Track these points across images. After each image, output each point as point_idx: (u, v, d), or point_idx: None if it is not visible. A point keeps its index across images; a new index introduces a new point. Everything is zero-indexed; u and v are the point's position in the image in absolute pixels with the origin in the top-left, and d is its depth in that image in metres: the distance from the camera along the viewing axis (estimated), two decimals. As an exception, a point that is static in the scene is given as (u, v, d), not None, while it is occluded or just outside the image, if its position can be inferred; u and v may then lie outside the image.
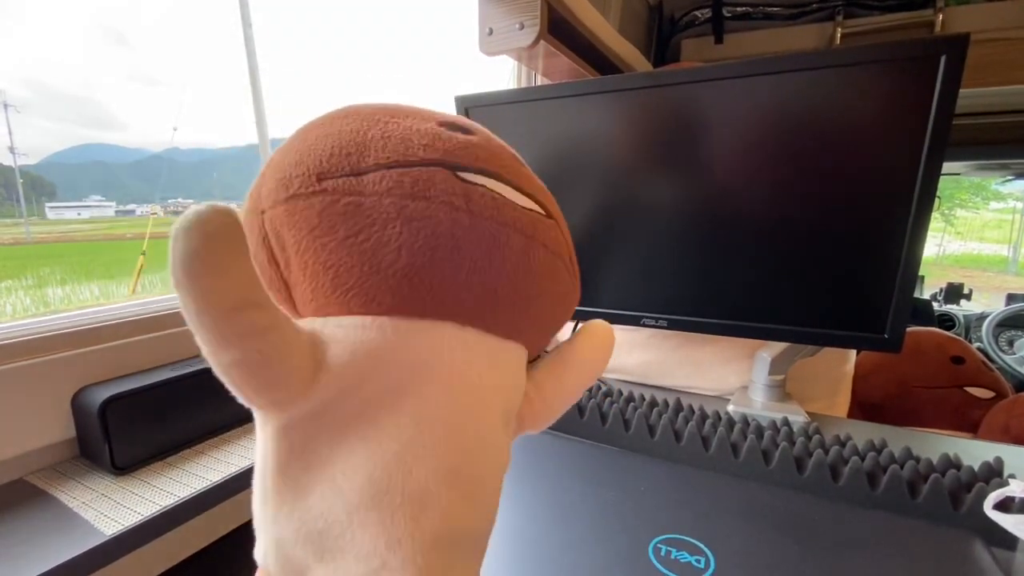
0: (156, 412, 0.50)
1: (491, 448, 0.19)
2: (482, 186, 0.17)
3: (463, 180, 0.17)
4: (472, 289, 0.17)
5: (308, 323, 0.17)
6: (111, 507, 0.42)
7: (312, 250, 0.16)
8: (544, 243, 0.18)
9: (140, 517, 0.41)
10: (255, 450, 0.17)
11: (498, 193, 0.17)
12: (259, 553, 0.17)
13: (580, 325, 0.23)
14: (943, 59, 0.43)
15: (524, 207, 0.18)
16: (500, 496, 0.20)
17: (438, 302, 0.17)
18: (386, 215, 0.16)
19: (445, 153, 0.17)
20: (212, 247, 0.12)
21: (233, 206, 0.13)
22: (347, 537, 0.16)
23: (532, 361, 0.21)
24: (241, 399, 0.15)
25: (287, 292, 0.18)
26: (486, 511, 0.19)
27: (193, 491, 0.45)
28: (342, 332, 0.16)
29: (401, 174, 0.16)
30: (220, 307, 0.13)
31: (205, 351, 0.13)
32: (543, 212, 0.19)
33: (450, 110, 0.66)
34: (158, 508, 0.42)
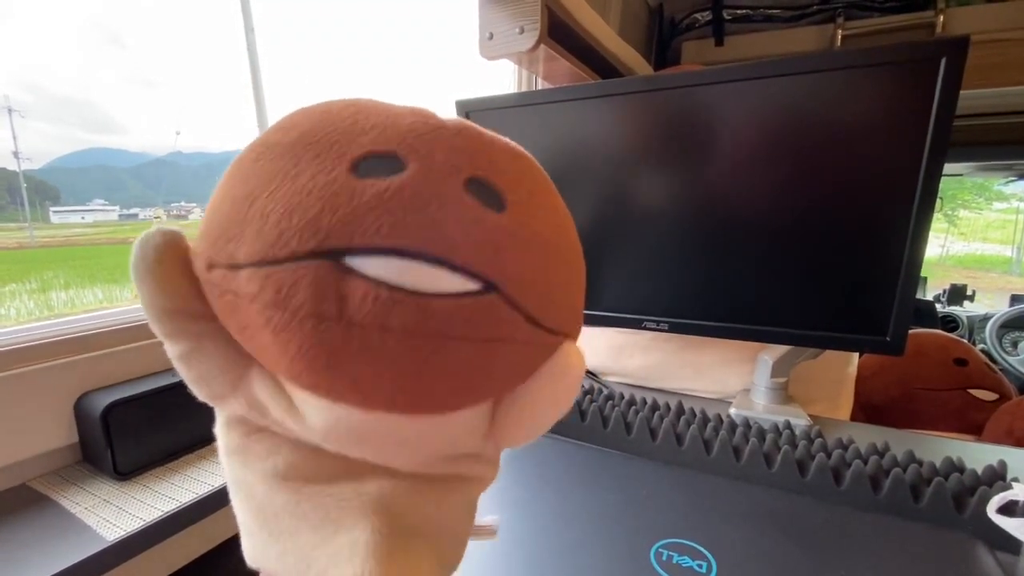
0: (158, 417, 0.50)
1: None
2: (370, 280, 0.13)
3: (345, 272, 0.13)
4: (365, 395, 0.15)
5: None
6: (113, 512, 0.42)
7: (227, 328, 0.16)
8: (464, 335, 0.14)
9: (142, 522, 0.41)
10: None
11: (395, 287, 0.13)
12: (245, 551, 0.18)
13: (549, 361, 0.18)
14: (943, 61, 0.43)
15: (441, 294, 0.14)
16: (470, 496, 0.20)
17: (342, 400, 0.15)
18: (257, 322, 0.14)
19: (328, 233, 0.13)
20: (151, 260, 0.15)
21: (176, 228, 0.15)
22: (297, 515, 0.17)
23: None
24: (192, 390, 0.17)
25: None
26: (444, 507, 0.19)
27: (195, 496, 0.45)
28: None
29: (266, 276, 0.13)
30: (156, 309, 0.15)
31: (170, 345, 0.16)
32: (475, 290, 0.14)
33: (451, 114, 0.66)
34: (160, 513, 0.42)
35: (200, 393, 0.17)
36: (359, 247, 0.13)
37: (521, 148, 0.18)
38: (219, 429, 0.19)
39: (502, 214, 0.15)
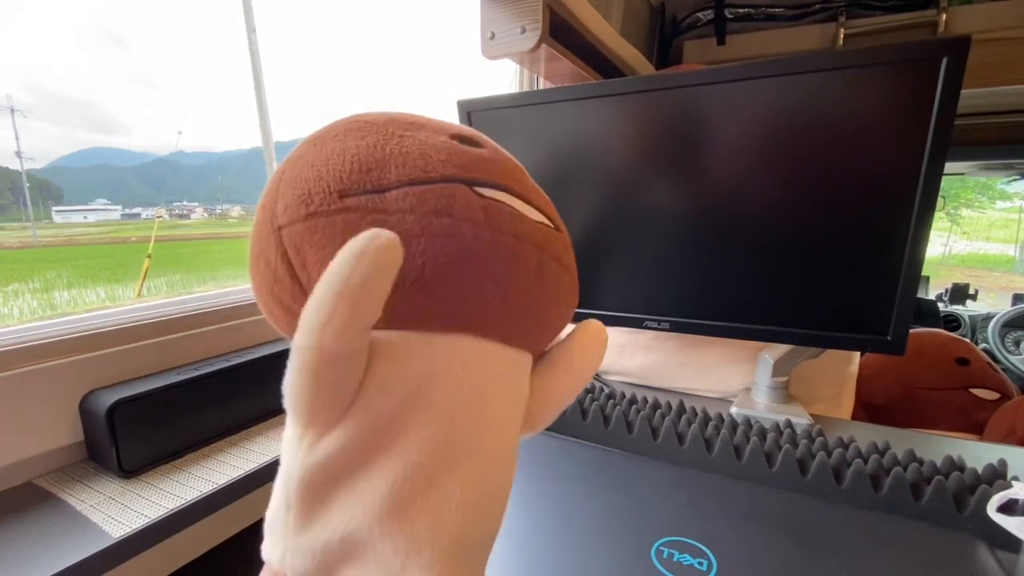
0: (163, 415, 0.51)
1: (505, 458, 0.19)
2: (499, 201, 0.18)
3: (480, 196, 0.17)
4: (492, 302, 0.17)
5: None
6: (119, 510, 0.43)
7: None
8: (555, 256, 0.19)
9: (147, 520, 0.41)
10: (282, 455, 0.18)
11: (513, 208, 0.18)
12: (272, 554, 0.18)
13: (574, 327, 0.23)
14: (944, 61, 0.44)
15: (536, 221, 0.19)
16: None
17: (458, 315, 0.17)
18: (410, 231, 0.16)
19: (462, 168, 0.17)
20: (384, 272, 0.14)
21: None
22: (368, 545, 0.16)
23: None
24: (303, 413, 0.16)
25: None
26: (497, 519, 0.19)
27: (200, 494, 0.45)
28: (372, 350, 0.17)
29: (423, 191, 0.16)
30: (360, 326, 0.14)
31: (310, 359, 0.14)
32: (552, 225, 0.20)
33: (452, 114, 0.67)
34: (165, 511, 0.43)
35: (326, 413, 0.16)
36: (484, 180, 0.18)
37: None
38: (299, 449, 0.17)
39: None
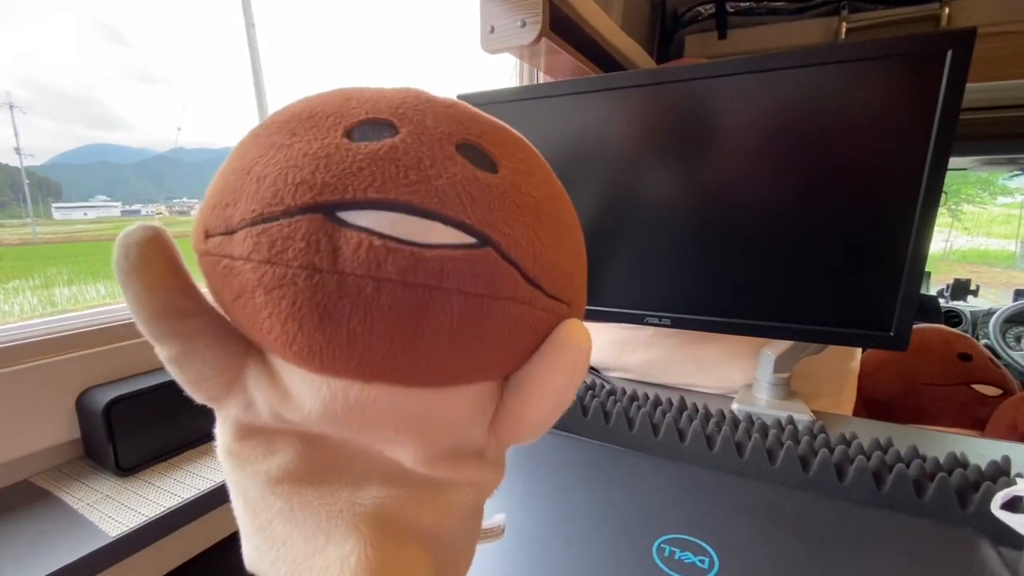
0: (160, 413, 0.50)
1: (421, 469, 0.18)
2: (364, 230, 0.13)
3: (339, 225, 0.13)
4: (362, 355, 0.14)
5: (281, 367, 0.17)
6: (115, 508, 0.43)
7: (219, 305, 0.16)
8: (458, 288, 0.14)
9: (144, 518, 0.41)
10: None
11: (388, 236, 0.13)
12: (245, 556, 0.18)
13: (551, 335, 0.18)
14: (949, 54, 0.43)
15: (424, 250, 0.14)
16: (468, 499, 0.19)
17: (331, 366, 0.15)
18: (250, 283, 0.14)
19: (322, 188, 0.13)
20: (135, 260, 0.14)
21: (156, 223, 0.15)
22: (291, 523, 0.17)
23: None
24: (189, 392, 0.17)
25: None
26: (436, 511, 0.18)
27: (197, 492, 0.45)
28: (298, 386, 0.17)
29: (260, 233, 0.14)
30: (144, 311, 0.15)
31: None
32: (468, 243, 0.14)
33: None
34: (162, 509, 0.42)
35: (197, 396, 0.17)
36: (352, 201, 0.13)
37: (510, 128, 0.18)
38: (218, 431, 0.18)
39: (495, 175, 0.15)
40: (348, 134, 0.15)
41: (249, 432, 0.17)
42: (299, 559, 0.16)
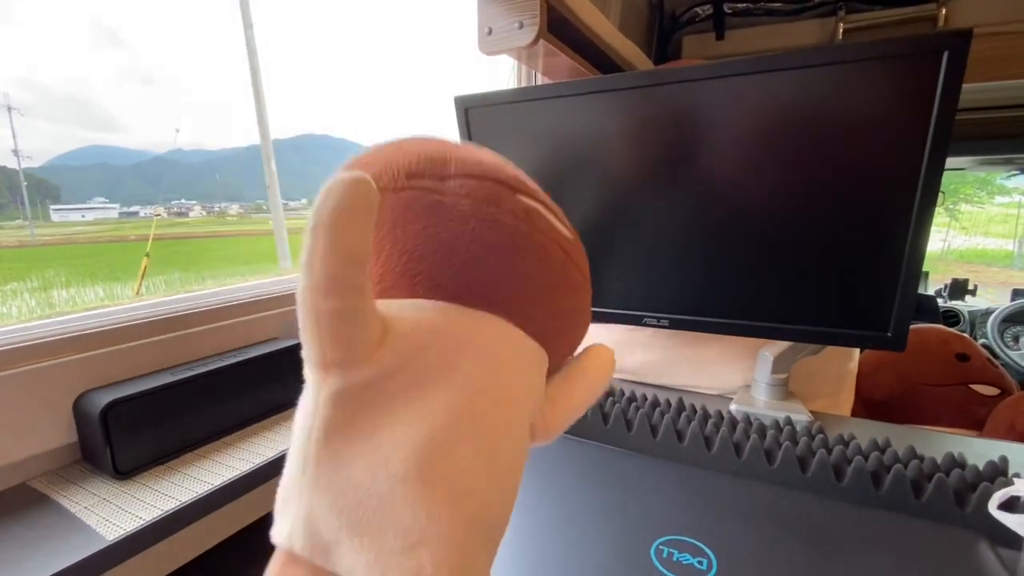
0: (158, 416, 0.50)
1: (520, 442, 0.20)
2: (537, 208, 0.20)
3: (520, 200, 0.19)
4: (523, 289, 0.19)
5: (379, 305, 0.17)
6: (113, 512, 0.42)
7: (391, 237, 0.18)
8: (577, 264, 0.21)
9: (142, 522, 0.41)
10: (295, 421, 0.17)
11: (547, 216, 0.20)
12: (282, 532, 0.17)
13: (582, 348, 0.24)
14: (946, 55, 0.43)
15: (563, 231, 0.21)
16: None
17: (493, 295, 0.19)
18: (463, 213, 0.18)
19: (508, 178, 0.20)
20: (353, 202, 0.14)
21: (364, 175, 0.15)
22: (386, 510, 0.15)
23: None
24: (314, 351, 0.16)
25: None
26: (509, 503, 0.19)
27: (195, 495, 0.45)
28: (406, 310, 0.18)
29: (476, 184, 0.19)
30: (340, 254, 0.14)
31: (308, 295, 0.15)
32: (574, 239, 0.22)
33: (449, 110, 0.66)
34: (160, 512, 0.42)
35: (332, 354, 0.16)
36: (524, 190, 0.20)
37: None
38: (320, 400, 0.17)
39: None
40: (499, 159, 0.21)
41: (367, 405, 0.16)
42: (387, 550, 0.15)
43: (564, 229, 0.21)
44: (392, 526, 0.15)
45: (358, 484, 0.16)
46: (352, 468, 0.16)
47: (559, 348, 0.22)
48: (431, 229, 0.18)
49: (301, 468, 0.17)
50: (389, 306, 0.18)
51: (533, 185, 0.21)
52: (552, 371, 0.22)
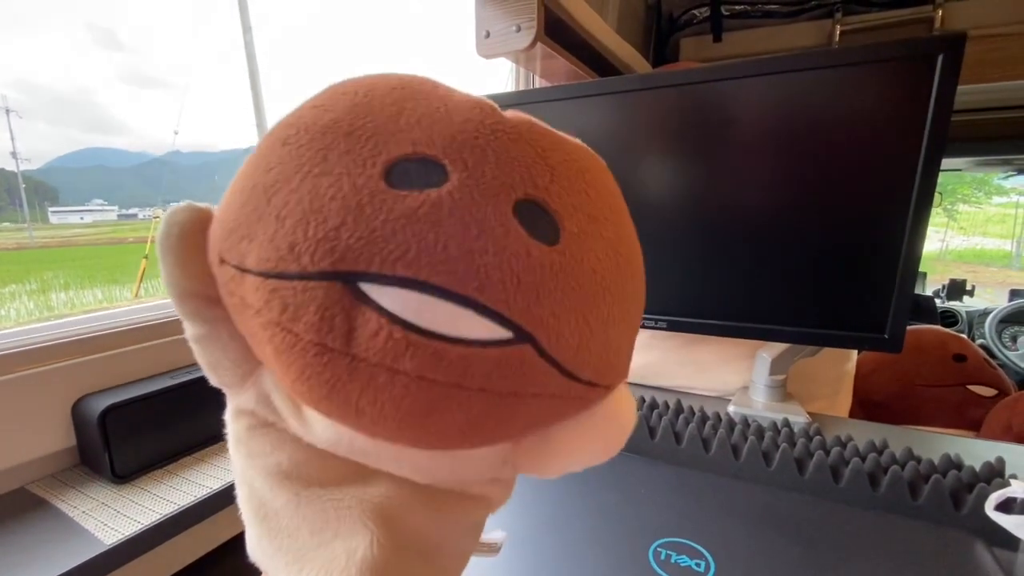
0: (156, 420, 0.50)
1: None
2: (384, 313, 0.12)
3: (358, 300, 0.12)
4: (368, 428, 0.14)
5: None
6: (111, 516, 0.42)
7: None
8: (482, 387, 0.13)
9: (140, 526, 0.41)
10: None
11: (410, 326, 0.12)
12: (248, 545, 0.18)
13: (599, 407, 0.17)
14: (940, 58, 0.43)
15: (459, 340, 0.12)
16: (472, 520, 0.20)
17: (338, 422, 0.15)
18: (260, 333, 0.13)
19: (345, 253, 0.12)
20: (173, 237, 0.14)
21: (206, 205, 0.15)
22: (299, 516, 0.16)
23: None
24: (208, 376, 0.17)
25: None
26: (441, 525, 0.18)
27: (193, 499, 0.45)
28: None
29: (272, 291, 0.12)
30: (174, 288, 0.15)
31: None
32: (503, 339, 0.12)
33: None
34: (158, 516, 0.42)
35: (212, 380, 0.17)
36: (377, 273, 0.12)
37: (592, 153, 0.16)
38: (228, 417, 0.18)
39: (553, 247, 0.13)
40: (387, 172, 0.12)
41: (261, 424, 0.17)
42: (304, 550, 0.16)
43: (471, 327, 0.12)
44: (307, 527, 0.16)
45: (265, 496, 0.17)
46: (255, 482, 0.17)
47: (506, 439, 0.16)
48: (251, 339, 0.15)
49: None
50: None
51: (429, 229, 0.12)
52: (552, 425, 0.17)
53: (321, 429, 0.16)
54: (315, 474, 0.17)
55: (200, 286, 0.15)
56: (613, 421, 0.17)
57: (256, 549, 0.17)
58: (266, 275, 0.12)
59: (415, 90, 0.14)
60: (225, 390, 0.18)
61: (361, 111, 0.13)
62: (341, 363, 0.12)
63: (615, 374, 0.15)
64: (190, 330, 0.16)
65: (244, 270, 0.13)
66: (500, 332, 0.12)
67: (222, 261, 0.14)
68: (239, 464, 0.18)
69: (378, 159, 0.13)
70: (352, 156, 0.13)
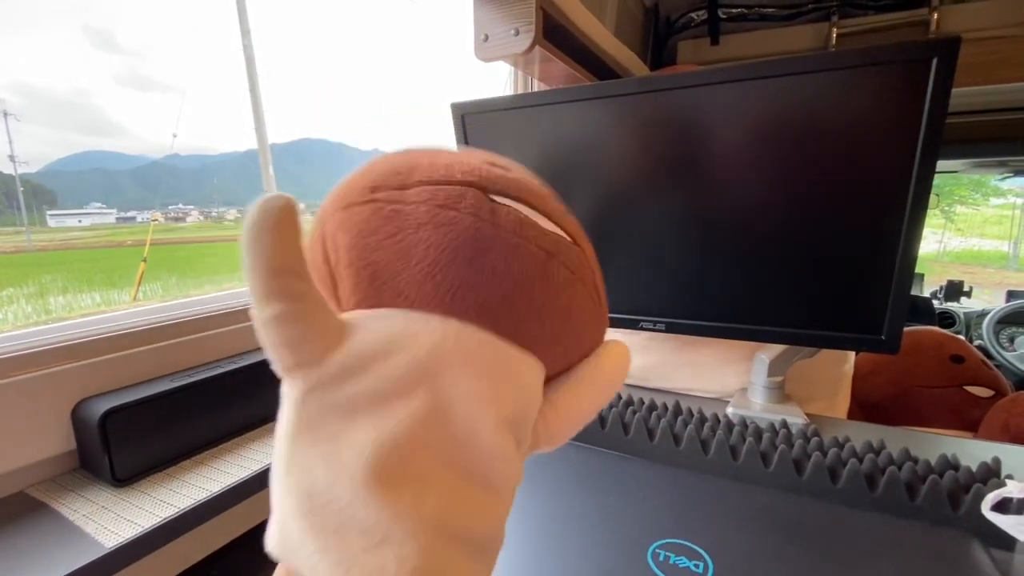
0: (156, 423, 0.50)
1: (495, 450, 0.19)
2: (509, 207, 0.19)
3: (493, 200, 0.19)
4: (490, 293, 0.18)
5: (344, 315, 0.18)
6: (111, 519, 0.42)
7: (358, 249, 0.19)
8: (564, 263, 0.20)
9: (140, 529, 0.41)
10: (278, 425, 0.18)
11: (524, 214, 0.19)
12: (268, 537, 0.18)
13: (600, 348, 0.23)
14: (935, 61, 0.44)
15: (548, 230, 0.20)
16: (509, 509, 0.20)
17: (458, 300, 0.18)
18: (420, 219, 0.18)
19: (480, 178, 0.19)
20: (271, 220, 0.16)
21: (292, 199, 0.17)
22: (349, 511, 0.16)
23: (551, 380, 0.22)
24: (273, 358, 0.17)
25: (334, 289, 0.20)
26: (491, 517, 0.19)
27: (193, 502, 0.45)
28: (370, 320, 0.18)
29: (437, 189, 0.18)
30: (267, 266, 0.16)
31: (254, 307, 0.17)
32: (568, 238, 0.20)
33: (446, 117, 0.67)
34: (158, 520, 0.42)
35: (292, 356, 0.17)
36: (500, 190, 0.19)
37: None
38: (288, 405, 0.18)
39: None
40: (485, 162, 0.20)
41: (329, 409, 0.17)
42: (351, 550, 0.16)
43: (550, 226, 0.20)
44: (356, 526, 0.16)
45: (323, 486, 0.16)
46: (316, 471, 0.17)
47: (555, 352, 0.21)
48: (390, 239, 0.18)
49: (274, 472, 0.18)
50: (354, 316, 0.18)
51: (515, 182, 0.20)
52: (556, 374, 0.21)
53: (425, 335, 0.18)
54: (376, 471, 0.17)
55: (293, 260, 0.16)
56: (611, 358, 0.23)
57: (288, 544, 0.17)
58: (430, 183, 0.18)
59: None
60: (299, 370, 0.17)
61: (450, 150, 0.22)
62: (488, 228, 0.18)
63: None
64: (271, 309, 0.16)
65: (406, 187, 0.19)
66: (557, 229, 0.20)
67: (375, 190, 0.19)
68: (300, 449, 0.17)
69: (478, 157, 0.21)
70: (464, 155, 0.20)
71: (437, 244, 0.18)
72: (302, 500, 0.17)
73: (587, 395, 0.22)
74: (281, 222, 0.16)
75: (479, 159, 0.20)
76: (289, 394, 0.18)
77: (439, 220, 0.18)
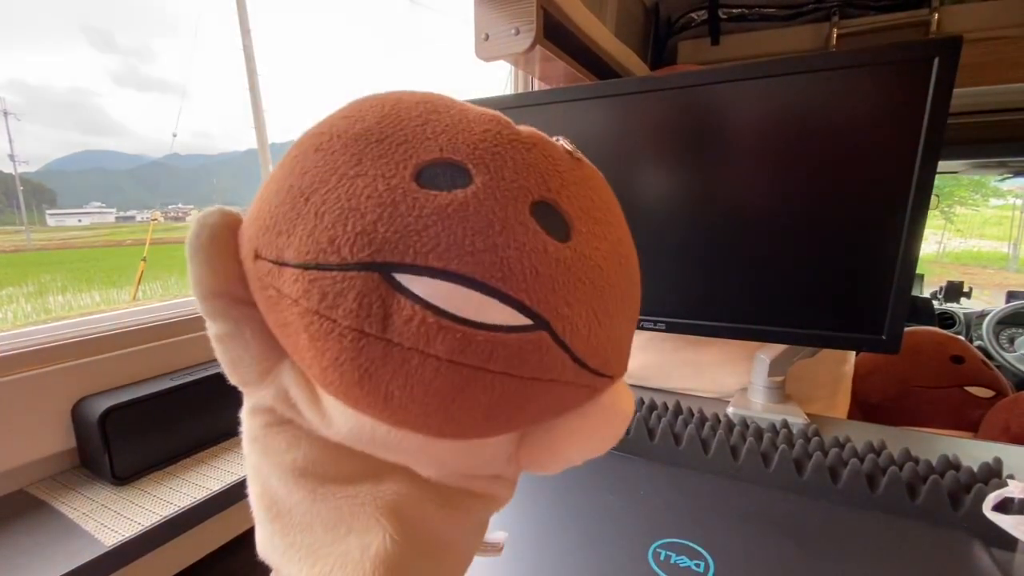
0: (156, 422, 0.50)
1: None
2: (418, 300, 0.13)
3: (393, 288, 0.13)
4: (394, 413, 0.14)
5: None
6: (111, 517, 0.42)
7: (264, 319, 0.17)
8: (504, 370, 0.14)
9: (140, 527, 0.41)
10: None
11: (441, 311, 0.13)
12: (257, 545, 0.18)
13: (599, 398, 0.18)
14: (936, 61, 0.44)
15: (484, 325, 0.13)
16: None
17: (364, 412, 0.15)
18: (296, 324, 0.14)
19: (382, 245, 0.13)
20: (204, 238, 0.15)
21: (236, 210, 0.16)
22: (312, 513, 0.17)
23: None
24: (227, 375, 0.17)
25: None
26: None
27: (193, 500, 0.45)
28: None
29: (312, 281, 0.13)
30: (200, 288, 0.15)
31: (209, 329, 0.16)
32: (522, 325, 0.13)
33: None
34: (158, 518, 0.42)
35: (231, 377, 0.17)
36: (411, 264, 0.13)
37: (592, 165, 0.19)
38: (244, 415, 0.19)
39: (566, 244, 0.14)
40: (418, 175, 0.14)
41: (277, 421, 0.18)
42: (317, 546, 0.16)
43: (497, 313, 0.13)
44: (320, 525, 0.17)
45: (282, 495, 0.17)
46: (271, 480, 0.17)
47: (520, 426, 0.17)
48: (281, 329, 0.15)
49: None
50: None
51: (457, 225, 0.13)
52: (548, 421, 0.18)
53: (342, 421, 0.16)
54: (330, 471, 0.17)
55: (227, 285, 0.15)
56: (613, 410, 0.18)
57: (267, 547, 0.18)
58: (306, 267, 0.13)
59: (436, 104, 0.16)
60: (243, 388, 0.18)
61: (390, 121, 0.15)
62: (377, 347, 0.13)
63: (618, 365, 0.17)
64: (214, 328, 0.16)
65: (282, 263, 0.14)
66: (521, 319, 0.13)
67: (257, 256, 0.14)
68: (253, 461, 0.18)
69: (409, 163, 0.14)
70: (385, 160, 0.14)
71: (318, 360, 0.14)
72: (269, 505, 0.18)
73: (571, 454, 0.19)
74: (215, 240, 0.15)
75: (410, 168, 0.14)
76: (244, 403, 0.18)
77: (314, 333, 0.13)
